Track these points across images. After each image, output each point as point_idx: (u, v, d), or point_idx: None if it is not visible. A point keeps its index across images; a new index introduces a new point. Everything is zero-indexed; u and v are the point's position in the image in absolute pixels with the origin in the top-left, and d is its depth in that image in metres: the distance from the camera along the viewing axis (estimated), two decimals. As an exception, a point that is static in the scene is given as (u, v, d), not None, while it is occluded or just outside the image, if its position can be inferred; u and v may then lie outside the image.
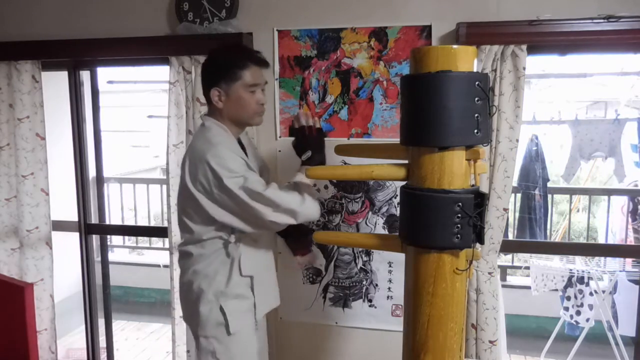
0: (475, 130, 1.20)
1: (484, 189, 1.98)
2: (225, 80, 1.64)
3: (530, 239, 4.00)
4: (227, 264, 1.68)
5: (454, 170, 1.22)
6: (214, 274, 1.68)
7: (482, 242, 1.27)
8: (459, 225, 1.21)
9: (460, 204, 1.21)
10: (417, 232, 1.27)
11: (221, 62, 1.66)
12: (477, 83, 1.19)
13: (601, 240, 4.88)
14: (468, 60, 1.21)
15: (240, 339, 1.70)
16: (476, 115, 1.20)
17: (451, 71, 1.18)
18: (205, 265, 1.69)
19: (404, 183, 1.35)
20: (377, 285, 2.23)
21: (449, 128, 1.19)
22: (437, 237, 1.23)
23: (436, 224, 1.23)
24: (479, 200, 1.24)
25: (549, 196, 4.24)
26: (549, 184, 4.16)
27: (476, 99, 1.19)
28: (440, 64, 1.19)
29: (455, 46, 1.21)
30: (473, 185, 1.27)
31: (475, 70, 1.25)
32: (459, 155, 1.22)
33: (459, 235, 1.22)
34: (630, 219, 4.12)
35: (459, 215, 1.21)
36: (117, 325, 3.99)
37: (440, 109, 1.19)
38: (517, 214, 4.15)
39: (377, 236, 1.60)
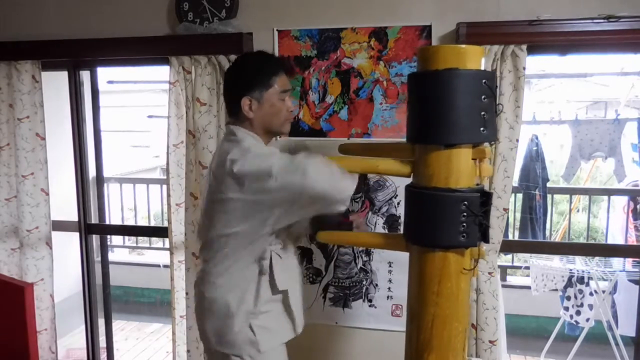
0: (482, 128, 1.20)
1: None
2: (259, 88, 1.57)
3: (530, 239, 4.00)
4: (256, 279, 1.59)
5: (460, 168, 1.22)
6: (243, 290, 1.59)
7: (487, 240, 1.26)
8: (464, 224, 1.21)
9: (466, 202, 1.20)
10: (423, 231, 1.27)
11: (252, 69, 1.59)
12: (484, 81, 1.18)
13: (603, 240, 4.88)
14: (476, 59, 1.21)
15: (273, 356, 1.64)
16: (483, 113, 1.19)
17: (458, 68, 1.18)
18: (233, 280, 1.59)
19: (406, 183, 1.35)
20: (377, 285, 2.23)
21: (456, 125, 1.19)
22: (443, 236, 1.23)
23: (442, 223, 1.22)
24: (485, 199, 1.23)
25: (550, 196, 4.24)
26: (549, 184, 4.16)
27: (483, 96, 1.19)
28: (449, 63, 1.18)
29: (463, 45, 1.21)
30: (478, 184, 1.27)
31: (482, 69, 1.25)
32: (465, 154, 1.21)
33: (464, 234, 1.21)
34: (632, 218, 4.12)
35: (465, 214, 1.21)
36: (117, 325, 3.99)
37: (447, 107, 1.19)
38: (517, 214, 4.15)
39: (381, 235, 1.60)
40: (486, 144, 1.26)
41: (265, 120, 1.61)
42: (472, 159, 1.23)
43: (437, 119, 1.20)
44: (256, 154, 1.53)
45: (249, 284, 1.59)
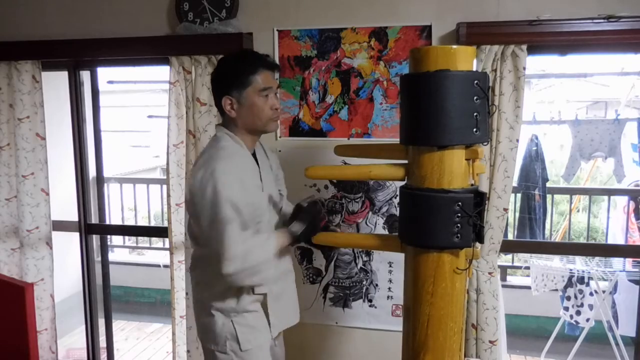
0: (475, 129, 1.20)
1: (484, 189, 1.98)
2: (237, 87, 1.58)
3: (529, 239, 4.00)
4: None
5: (453, 169, 1.22)
6: (224, 289, 1.61)
7: (481, 241, 1.27)
8: (458, 225, 1.22)
9: (460, 203, 1.21)
10: (417, 232, 1.27)
11: (231, 69, 1.60)
12: (475, 82, 1.19)
13: (603, 240, 4.88)
14: (467, 60, 1.21)
15: (257, 354, 1.65)
16: (475, 114, 1.20)
17: (450, 70, 1.18)
18: (215, 280, 1.60)
19: (403, 183, 1.35)
20: (377, 285, 2.23)
21: (448, 127, 1.19)
22: (437, 237, 1.23)
23: (436, 224, 1.23)
24: (479, 199, 1.24)
25: (550, 196, 4.24)
26: (549, 184, 4.17)
27: (475, 97, 1.19)
28: (440, 64, 1.19)
29: (454, 46, 1.21)
30: (472, 185, 1.27)
31: (474, 70, 1.25)
32: (458, 155, 1.22)
33: (458, 235, 1.22)
34: (634, 219, 4.12)
35: (459, 214, 1.21)
36: (117, 325, 3.99)
37: (439, 108, 1.19)
38: (516, 214, 4.15)
39: (376, 236, 1.60)
40: (479, 144, 1.26)
41: (247, 120, 1.62)
42: (466, 160, 1.23)
43: (429, 121, 1.21)
44: (201, 180, 1.53)
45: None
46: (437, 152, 1.21)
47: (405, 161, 1.32)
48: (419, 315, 1.28)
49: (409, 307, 1.33)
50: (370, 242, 1.57)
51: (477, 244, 1.28)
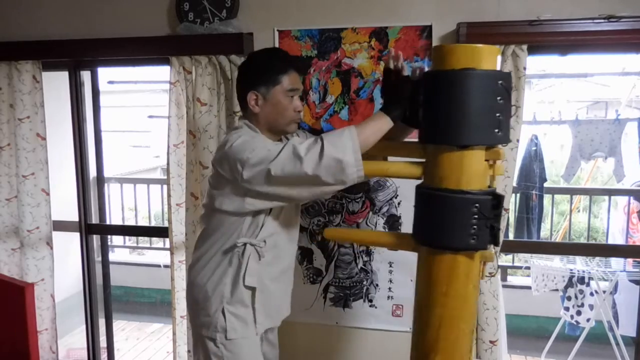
0: (496, 130, 1.18)
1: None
2: (265, 84, 1.59)
3: (526, 238, 4.00)
4: (234, 270, 1.63)
5: (472, 170, 1.20)
6: (220, 278, 1.64)
7: (497, 243, 1.25)
8: (475, 227, 1.19)
9: (477, 205, 1.19)
10: (433, 232, 1.25)
11: (262, 65, 1.62)
12: (500, 82, 1.17)
13: (603, 240, 4.88)
14: (492, 59, 1.19)
15: (246, 344, 1.67)
16: (497, 114, 1.18)
17: (475, 69, 1.17)
18: (213, 267, 1.65)
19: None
20: (377, 285, 2.23)
21: (470, 126, 1.17)
22: (453, 238, 1.21)
23: (453, 225, 1.21)
24: (496, 201, 1.22)
25: (550, 196, 4.24)
26: (547, 184, 4.16)
27: (498, 97, 1.17)
28: (463, 62, 1.17)
29: (479, 45, 1.19)
30: (490, 187, 1.26)
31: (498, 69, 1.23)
32: (478, 155, 1.20)
33: (475, 237, 1.20)
34: (634, 219, 4.11)
35: (476, 216, 1.19)
36: (118, 325, 4.00)
37: (462, 107, 1.17)
38: (514, 214, 4.15)
39: (390, 234, 1.58)
40: (500, 145, 1.24)
41: (270, 118, 1.63)
42: (486, 161, 1.21)
43: (451, 120, 1.18)
44: (246, 136, 1.55)
45: (227, 269, 1.64)
46: (457, 152, 1.19)
47: (422, 160, 1.31)
48: (430, 315, 1.26)
49: (421, 306, 1.31)
50: (384, 240, 1.56)
51: (492, 246, 1.27)
